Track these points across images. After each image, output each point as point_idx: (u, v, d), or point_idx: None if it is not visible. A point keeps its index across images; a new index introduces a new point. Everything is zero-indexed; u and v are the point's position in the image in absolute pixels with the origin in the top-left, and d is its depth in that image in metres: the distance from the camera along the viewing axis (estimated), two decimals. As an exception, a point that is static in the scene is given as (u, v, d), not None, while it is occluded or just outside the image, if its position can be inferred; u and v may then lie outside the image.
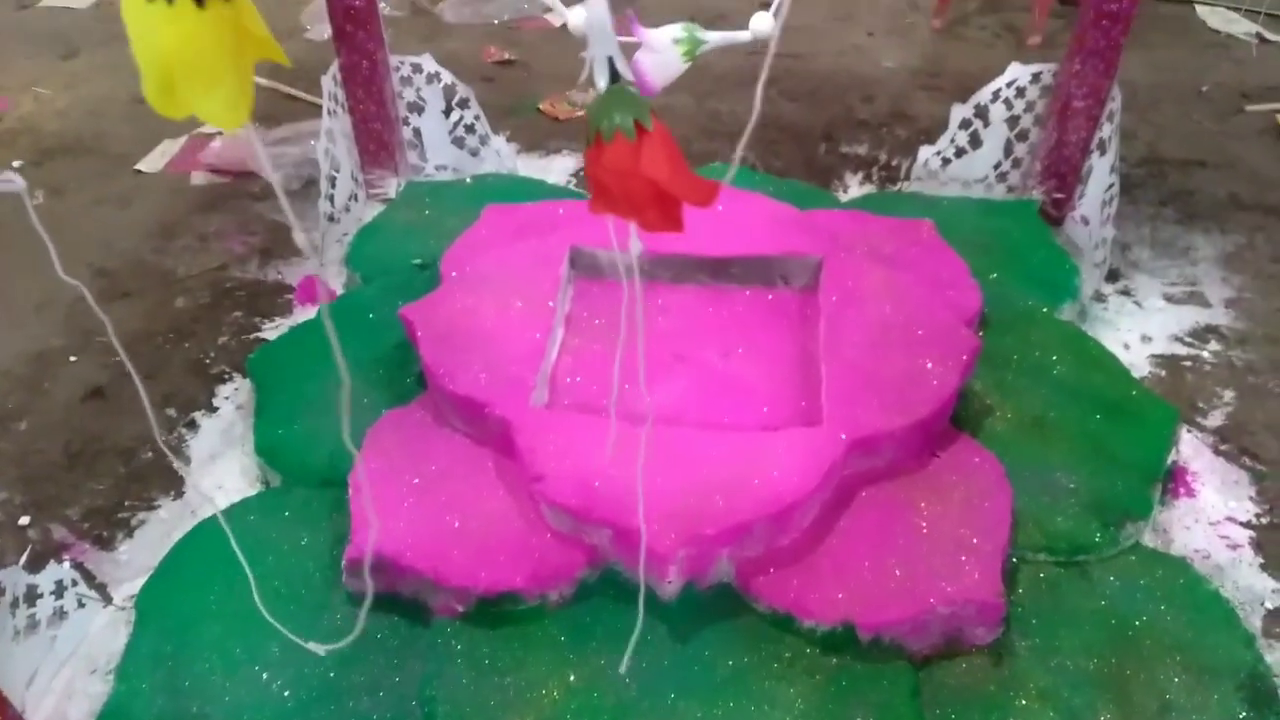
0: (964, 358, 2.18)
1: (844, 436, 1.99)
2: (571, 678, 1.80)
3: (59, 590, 1.94)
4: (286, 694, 1.82)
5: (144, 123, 3.84)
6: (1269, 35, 4.52)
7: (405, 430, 2.20)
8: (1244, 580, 2.13)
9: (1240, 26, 4.60)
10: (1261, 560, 2.18)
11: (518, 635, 1.87)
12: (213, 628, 1.93)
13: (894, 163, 3.56)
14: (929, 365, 2.17)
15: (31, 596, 1.87)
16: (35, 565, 1.95)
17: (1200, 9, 4.79)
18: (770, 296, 2.57)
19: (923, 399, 2.09)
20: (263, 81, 4.09)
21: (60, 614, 1.95)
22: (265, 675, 1.85)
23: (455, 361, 2.19)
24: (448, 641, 1.86)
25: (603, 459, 1.94)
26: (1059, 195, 3.11)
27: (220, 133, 3.75)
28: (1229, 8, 4.74)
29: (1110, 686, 1.82)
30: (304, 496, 2.21)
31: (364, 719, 1.78)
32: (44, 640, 1.91)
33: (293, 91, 3.99)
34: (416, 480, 2.06)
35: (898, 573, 1.88)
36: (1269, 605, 2.09)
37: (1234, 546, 2.21)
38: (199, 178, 3.51)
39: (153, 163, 3.58)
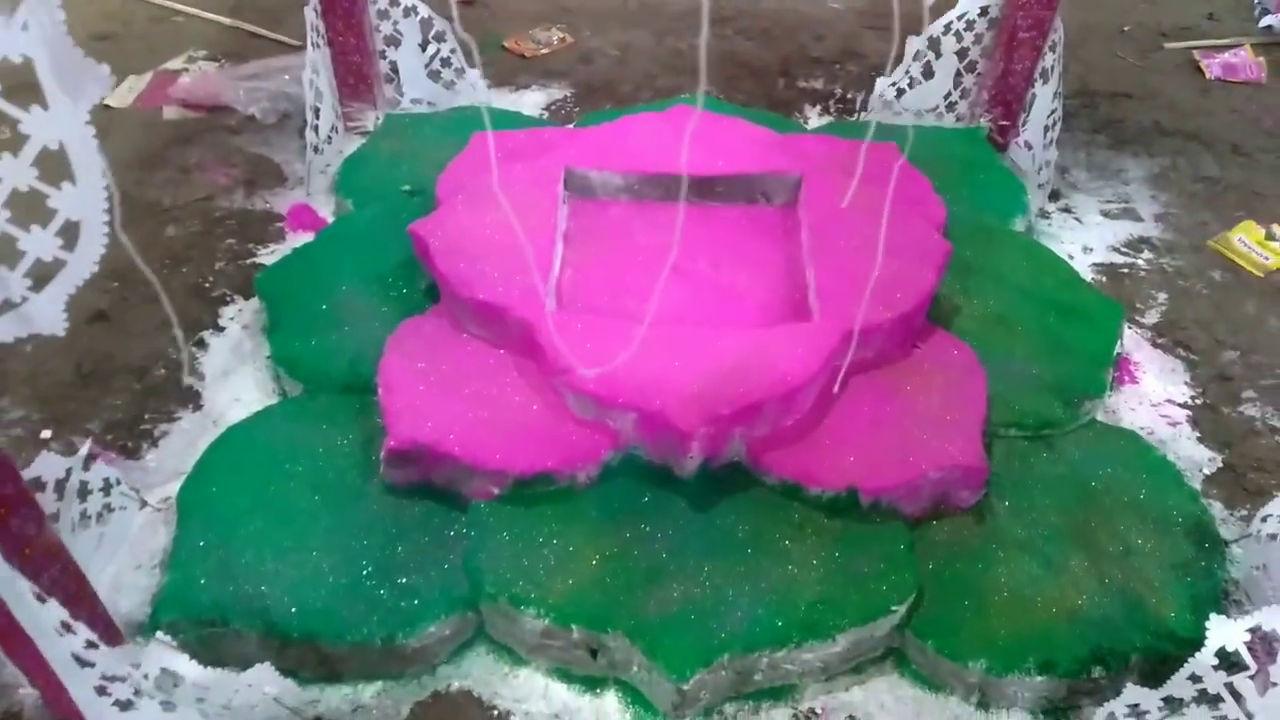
0: (939, 257, 2.40)
1: (844, 330, 2.18)
2: (606, 546, 1.97)
3: (106, 488, 2.02)
4: (338, 573, 1.94)
5: (106, 59, 3.79)
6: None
7: (424, 336, 2.31)
8: (1184, 451, 2.41)
9: (1157, -28, 4.91)
10: (1198, 434, 2.47)
11: (552, 513, 2.03)
12: (256, 520, 2.04)
13: (849, 96, 3.76)
14: (908, 266, 2.38)
15: (83, 492, 1.95)
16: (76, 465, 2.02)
17: (1120, -44, 5.09)
18: (753, 213, 2.74)
19: (905, 295, 2.30)
20: (227, 20, 4.08)
21: (107, 510, 2.03)
22: (314, 557, 1.97)
23: (472, 271, 2.31)
24: (488, 520, 2.01)
25: (620, 352, 2.10)
26: (1004, 123, 3.35)
27: (187, 68, 3.74)
28: (1146, -45, 5.04)
29: (1079, 537, 2.06)
30: (328, 402, 2.32)
31: (414, 592, 1.92)
32: (93, 536, 1.99)
33: (258, 30, 3.99)
34: (442, 379, 2.19)
35: (892, 445, 2.09)
36: (1206, 471, 2.37)
37: (1174, 424, 2.49)
38: (170, 112, 3.52)
39: (121, 98, 3.56)
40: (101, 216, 1.11)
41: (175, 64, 3.76)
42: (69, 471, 1.82)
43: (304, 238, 2.95)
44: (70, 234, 1.16)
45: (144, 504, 2.17)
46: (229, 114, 3.51)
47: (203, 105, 3.53)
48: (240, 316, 2.71)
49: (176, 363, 2.56)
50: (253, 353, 2.60)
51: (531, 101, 3.69)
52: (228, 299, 2.76)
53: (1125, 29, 4.39)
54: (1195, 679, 1.65)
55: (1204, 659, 1.61)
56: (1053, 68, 3.11)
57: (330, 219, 3.04)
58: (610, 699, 1.90)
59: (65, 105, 1.00)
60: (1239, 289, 2.92)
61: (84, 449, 1.88)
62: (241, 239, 2.98)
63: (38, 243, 1.13)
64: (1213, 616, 1.59)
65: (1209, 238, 3.10)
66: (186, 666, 1.64)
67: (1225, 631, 1.58)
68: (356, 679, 1.91)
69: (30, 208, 1.14)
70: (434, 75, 3.45)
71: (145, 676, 1.63)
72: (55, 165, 1.11)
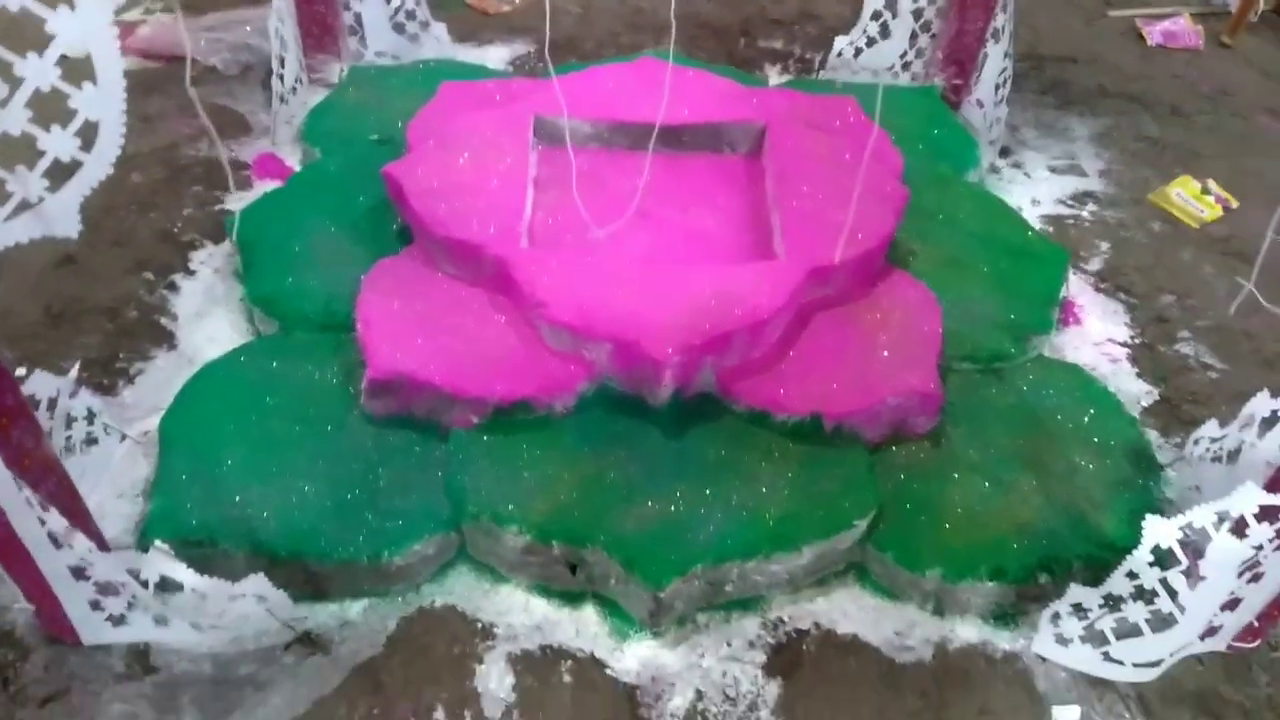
0: (896, 203, 2.51)
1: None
2: (584, 469, 2.05)
3: (89, 417, 2.05)
4: (323, 497, 2.00)
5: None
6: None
7: (400, 274, 2.37)
8: (1124, 386, 2.55)
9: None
10: (1137, 370, 2.62)
11: (530, 439, 2.10)
12: (239, 448, 2.08)
13: (807, 55, 3.85)
14: (868, 209, 2.47)
15: (68, 421, 1.98)
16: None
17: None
18: (719, 161, 2.82)
19: (865, 236, 2.40)
20: (183, -30, 4.03)
21: (90, 440, 2.06)
22: (298, 483, 2.02)
23: (447, 210, 2.36)
24: (468, 446, 2.08)
25: (594, 287, 2.18)
26: (957, 81, 3.47)
27: (145, 19, 3.71)
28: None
29: (1028, 459, 2.20)
30: (306, 340, 2.36)
31: (398, 513, 1.99)
32: (77, 464, 2.02)
33: (215, -19, 3.96)
34: (419, 314, 2.25)
35: (854, 374, 2.20)
36: (1144, 404, 2.52)
37: (1114, 360, 2.64)
38: (129, 62, 3.48)
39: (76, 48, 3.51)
40: (120, 117, 1.15)
41: (133, 15, 3.72)
42: (59, 392, 1.85)
43: (271, 185, 2.97)
44: (88, 135, 1.19)
45: (124, 437, 2.20)
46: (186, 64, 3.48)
47: (162, 55, 3.50)
48: (211, 260, 2.73)
49: (149, 304, 2.58)
50: (225, 295, 2.62)
51: (496, 56, 3.72)
52: (197, 244, 2.78)
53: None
54: (1132, 575, 1.79)
55: (1140, 556, 1.75)
56: (1003, 28, 3.23)
57: (297, 167, 3.06)
58: (589, 611, 1.99)
59: (91, 5, 1.04)
60: (1176, 239, 3.08)
61: (72, 372, 1.91)
62: (208, 186, 2.99)
63: (57, 142, 1.17)
64: (1148, 517, 1.73)
65: (1149, 192, 3.26)
66: (185, 574, 1.69)
67: (1159, 530, 1.71)
68: (343, 596, 1.97)
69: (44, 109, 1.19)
70: (398, 28, 3.47)
71: (145, 584, 1.68)
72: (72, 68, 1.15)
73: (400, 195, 2.45)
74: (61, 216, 1.22)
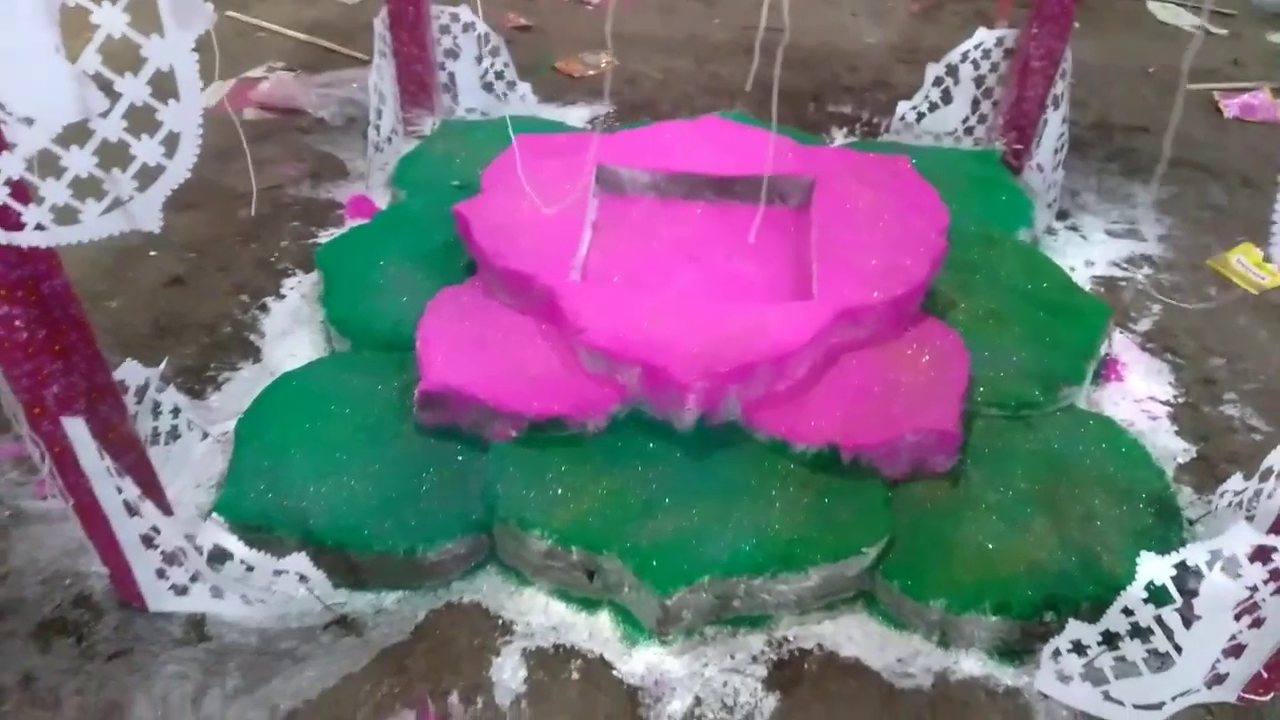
0: (934, 254, 2.60)
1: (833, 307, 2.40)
2: (607, 484, 2.19)
3: (175, 412, 2.30)
4: (370, 495, 2.19)
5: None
6: (1211, 28, 5.01)
7: (460, 302, 2.58)
8: (1160, 442, 2.56)
9: (1185, 19, 5.10)
10: (1176, 428, 2.62)
11: (562, 455, 2.26)
12: (302, 449, 2.30)
13: (875, 120, 4.00)
14: (904, 257, 2.59)
15: (155, 411, 2.23)
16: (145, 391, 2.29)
17: (1151, 4, 5.28)
18: (769, 212, 2.97)
19: (897, 282, 2.51)
20: (303, 36, 4.47)
21: (174, 433, 2.32)
22: (351, 482, 2.22)
23: (506, 244, 2.58)
24: (505, 457, 2.25)
25: (631, 317, 2.35)
26: (1018, 146, 3.55)
27: (266, 76, 4.12)
28: (1176, 3, 5.23)
29: (1045, 502, 2.23)
30: (372, 357, 2.59)
31: (434, 514, 2.16)
32: (160, 454, 2.27)
33: (331, 45, 4.37)
34: (473, 336, 2.45)
35: (875, 409, 2.29)
36: (1180, 460, 2.52)
37: (1154, 418, 2.65)
38: (250, 113, 3.88)
39: (207, 99, 3.92)
40: (196, 130, 1.38)
41: (256, 72, 4.14)
42: (148, 381, 2.10)
43: (361, 224, 3.25)
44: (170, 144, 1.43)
45: (205, 435, 2.45)
46: (300, 116, 3.86)
47: (278, 108, 3.89)
48: (300, 287, 3.01)
49: (242, 322, 2.86)
50: (309, 318, 2.89)
51: (576, 115, 3.99)
52: (290, 272, 3.07)
53: (1150, 70, 4.58)
54: (1128, 612, 1.82)
55: (1134, 592, 1.78)
56: (1062, 94, 3.32)
57: (385, 208, 3.34)
58: (603, 617, 2.11)
59: (177, 34, 1.27)
60: (1233, 304, 3.07)
61: (161, 365, 2.16)
62: (305, 222, 3.30)
63: (146, 149, 1.40)
64: (1142, 553, 1.76)
65: (1209, 258, 3.26)
66: (235, 545, 1.89)
67: (1153, 566, 1.75)
68: (380, 587, 2.15)
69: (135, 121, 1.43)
70: (488, 87, 3.77)
71: (200, 550, 1.89)
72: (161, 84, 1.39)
73: (467, 231, 2.68)
74: (145, 214, 1.45)
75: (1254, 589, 1.72)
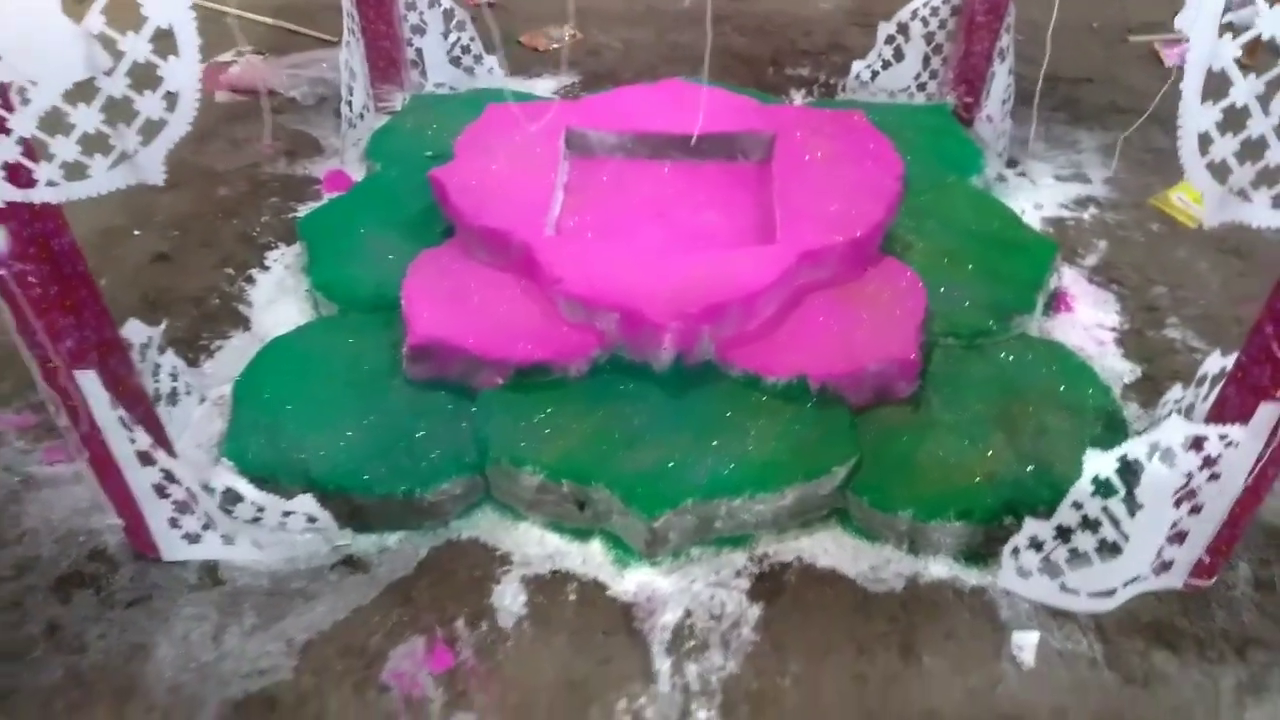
0: (890, 198, 2.75)
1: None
2: (592, 422, 2.32)
3: (174, 374, 2.40)
4: (367, 443, 2.31)
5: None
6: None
7: (441, 262, 2.69)
8: (1108, 364, 2.73)
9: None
10: (1122, 352, 2.79)
11: (547, 398, 2.38)
12: (299, 405, 2.41)
13: (831, 81, 4.14)
14: (861, 203, 2.73)
15: (156, 373, 2.33)
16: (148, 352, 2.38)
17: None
18: (731, 168, 3.11)
19: (856, 224, 2.65)
20: (270, 20, 4.53)
21: (173, 397, 2.41)
22: (348, 433, 2.33)
23: (482, 204, 2.69)
24: (493, 403, 2.37)
25: (606, 267, 2.47)
26: (968, 99, 3.70)
27: (236, 60, 4.18)
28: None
29: (1001, 421, 2.39)
30: (359, 319, 2.70)
31: (430, 458, 2.28)
32: (162, 415, 2.36)
33: (296, 28, 4.44)
34: (455, 292, 2.56)
35: (839, 342, 2.44)
36: (1126, 380, 2.69)
37: (1101, 343, 2.81)
38: (222, 96, 3.95)
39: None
40: (195, 85, 1.49)
41: (226, 56, 4.20)
42: (150, 340, 2.20)
43: (339, 196, 3.34)
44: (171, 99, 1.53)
45: (203, 399, 2.55)
46: (272, 97, 3.94)
47: (250, 90, 3.96)
48: (283, 259, 3.11)
49: (229, 294, 2.96)
50: (294, 287, 2.98)
51: (543, 87, 4.09)
52: (273, 245, 3.16)
53: (1094, 25, 4.74)
54: (1077, 505, 1.97)
55: (1082, 486, 1.94)
56: (1008, 48, 3.46)
57: (361, 181, 3.44)
58: (595, 544, 2.25)
59: (175, -7, 1.38)
60: (1173, 238, 3.25)
61: (161, 325, 2.25)
62: (284, 198, 3.39)
63: (149, 104, 1.51)
64: (1088, 450, 1.92)
65: (1150, 196, 3.43)
66: (245, 488, 2.01)
67: (1098, 461, 1.91)
68: (382, 528, 2.26)
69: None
70: (455, 61, 3.87)
71: (212, 492, 2.00)
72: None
73: (443, 194, 2.79)
74: (150, 166, 1.56)
75: (1189, 476, 1.88)
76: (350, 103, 3.49)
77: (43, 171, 1.53)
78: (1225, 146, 1.56)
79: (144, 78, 1.50)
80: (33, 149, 1.52)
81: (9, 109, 1.45)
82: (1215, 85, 1.51)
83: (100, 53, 1.44)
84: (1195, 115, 1.52)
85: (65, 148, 1.52)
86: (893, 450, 2.32)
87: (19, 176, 1.53)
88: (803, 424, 2.33)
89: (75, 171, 1.55)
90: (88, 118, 1.50)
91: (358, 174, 3.49)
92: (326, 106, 3.90)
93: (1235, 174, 1.58)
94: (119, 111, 1.52)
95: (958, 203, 3.11)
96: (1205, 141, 1.56)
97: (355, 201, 3.16)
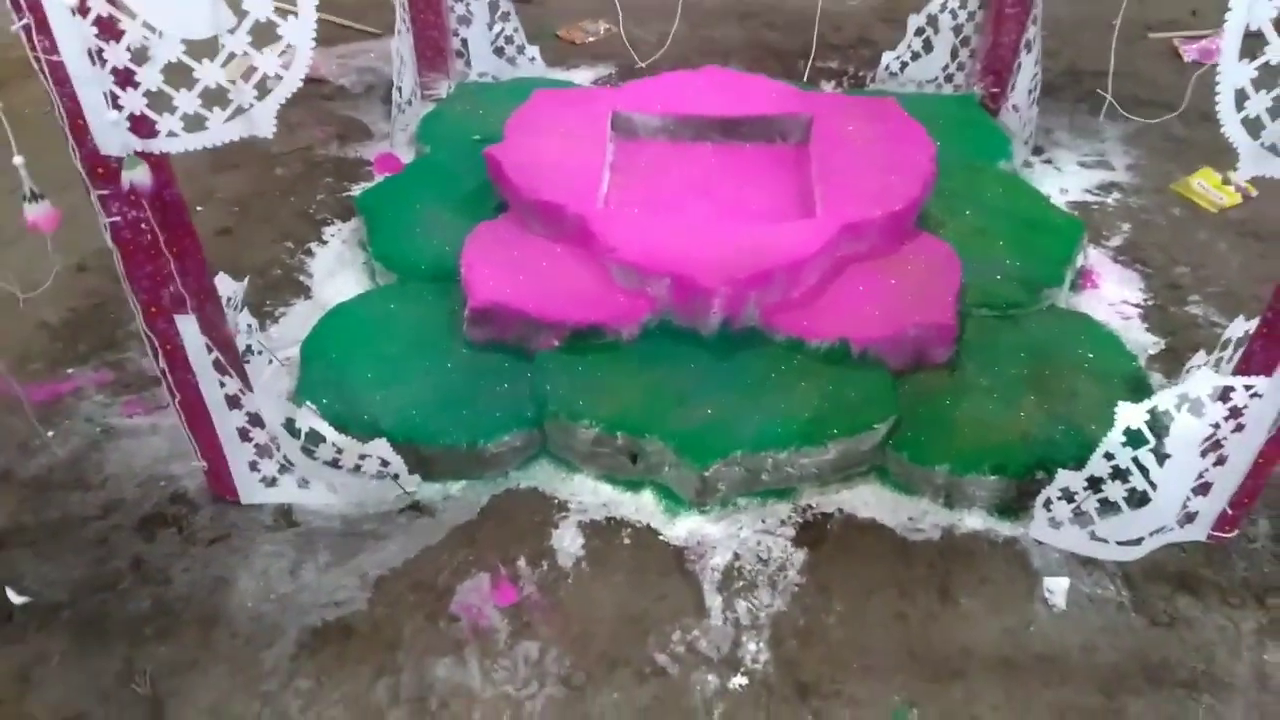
0: (924, 176, 2.88)
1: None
2: (644, 381, 2.45)
3: (249, 332, 2.53)
4: (432, 399, 2.44)
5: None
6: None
7: (497, 233, 2.83)
8: (1133, 337, 2.84)
9: (1147, -24, 5.39)
10: (1147, 326, 2.91)
11: (602, 358, 2.51)
12: (364, 363, 2.54)
13: (860, 74, 4.27)
14: (898, 180, 2.86)
15: (251, 333, 2.46)
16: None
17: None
18: (772, 150, 3.24)
19: (893, 199, 2.78)
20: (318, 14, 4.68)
21: (248, 353, 2.54)
22: (412, 390, 2.46)
23: (537, 179, 2.83)
24: (549, 363, 2.50)
25: (658, 236, 2.61)
26: (995, 89, 3.82)
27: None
28: (1138, -38, 5.53)
29: (1034, 384, 2.51)
30: (419, 287, 2.84)
31: (491, 411, 2.41)
32: (238, 371, 2.50)
33: (343, 21, 4.59)
34: (512, 260, 2.70)
35: (879, 308, 2.56)
36: (1151, 352, 2.81)
37: (1126, 318, 2.93)
38: (273, 84, 4.10)
39: (229, 74, 4.15)
40: (310, 44, 1.62)
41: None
42: (234, 294, 2.33)
43: (392, 175, 3.49)
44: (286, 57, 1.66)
45: (271, 360, 2.69)
46: (323, 84, 4.09)
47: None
48: (340, 234, 3.25)
49: (290, 266, 3.10)
50: (352, 260, 3.13)
51: (581, 77, 4.23)
52: (329, 221, 3.31)
53: (1114, 23, 4.86)
54: (1108, 456, 2.09)
55: (1114, 437, 2.05)
56: (1034, 39, 3.59)
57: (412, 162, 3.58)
58: (647, 495, 2.37)
59: (296, -43, 1.52)
60: (1195, 222, 3.36)
61: (244, 281, 2.39)
62: (338, 178, 3.53)
63: (266, 61, 1.64)
64: (1120, 403, 2.04)
65: (1172, 183, 3.55)
66: (327, 430, 2.14)
67: (1130, 413, 2.02)
68: (446, 477, 2.39)
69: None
70: (498, 51, 4.01)
71: (297, 433, 2.13)
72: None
73: (498, 170, 2.93)
74: (263, 120, 1.70)
75: (1216, 426, 2.00)
76: (400, 89, 3.63)
77: (165, 123, 1.67)
78: (1260, 102, 1.67)
79: (262, 36, 1.64)
80: (159, 101, 1.66)
81: (139, 63, 1.59)
82: (1250, 46, 1.62)
83: (225, 10, 1.58)
84: (1233, 71, 1.64)
85: (187, 101, 1.66)
86: (930, 410, 2.44)
87: (143, 127, 1.67)
88: (845, 385, 2.45)
89: (193, 124, 1.69)
90: (211, 72, 1.63)
91: (407, 157, 3.63)
92: (374, 94, 4.05)
93: (1268, 129, 1.69)
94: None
95: (988, 185, 3.23)
96: (1241, 97, 1.67)
97: (409, 180, 3.30)
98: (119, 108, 1.61)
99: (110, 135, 1.64)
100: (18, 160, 1.61)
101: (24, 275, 2.21)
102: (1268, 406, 1.97)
